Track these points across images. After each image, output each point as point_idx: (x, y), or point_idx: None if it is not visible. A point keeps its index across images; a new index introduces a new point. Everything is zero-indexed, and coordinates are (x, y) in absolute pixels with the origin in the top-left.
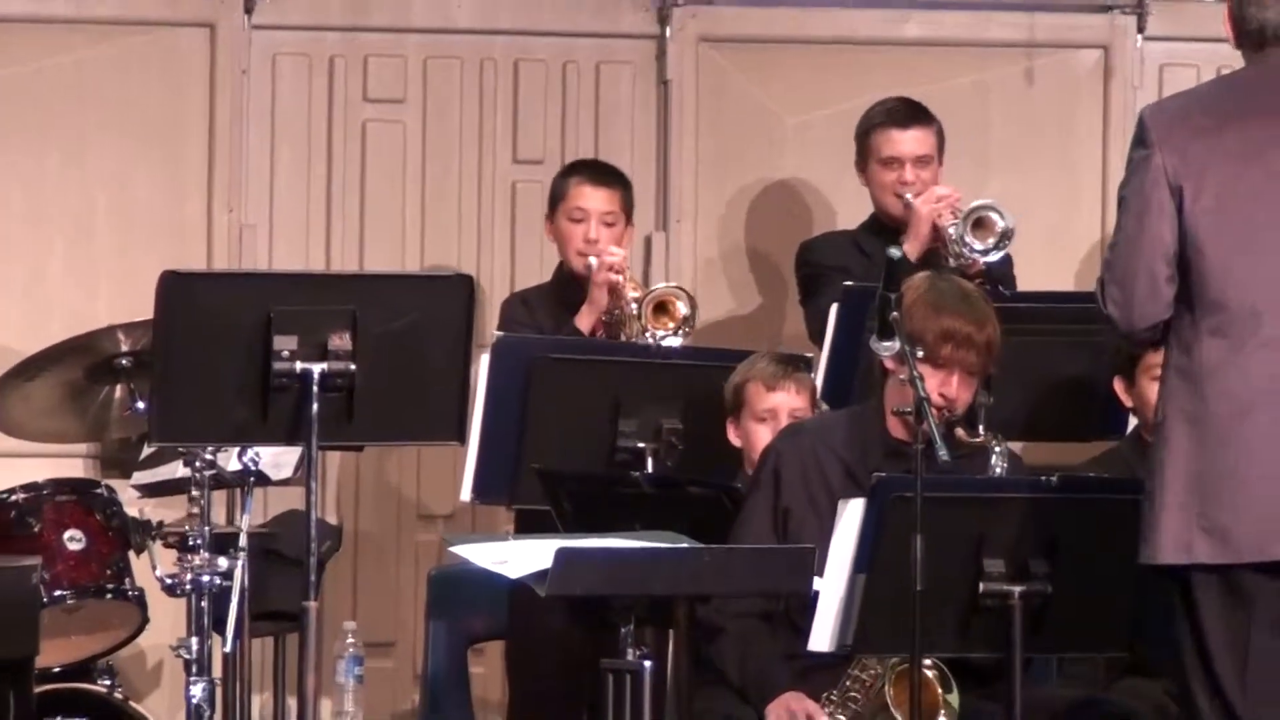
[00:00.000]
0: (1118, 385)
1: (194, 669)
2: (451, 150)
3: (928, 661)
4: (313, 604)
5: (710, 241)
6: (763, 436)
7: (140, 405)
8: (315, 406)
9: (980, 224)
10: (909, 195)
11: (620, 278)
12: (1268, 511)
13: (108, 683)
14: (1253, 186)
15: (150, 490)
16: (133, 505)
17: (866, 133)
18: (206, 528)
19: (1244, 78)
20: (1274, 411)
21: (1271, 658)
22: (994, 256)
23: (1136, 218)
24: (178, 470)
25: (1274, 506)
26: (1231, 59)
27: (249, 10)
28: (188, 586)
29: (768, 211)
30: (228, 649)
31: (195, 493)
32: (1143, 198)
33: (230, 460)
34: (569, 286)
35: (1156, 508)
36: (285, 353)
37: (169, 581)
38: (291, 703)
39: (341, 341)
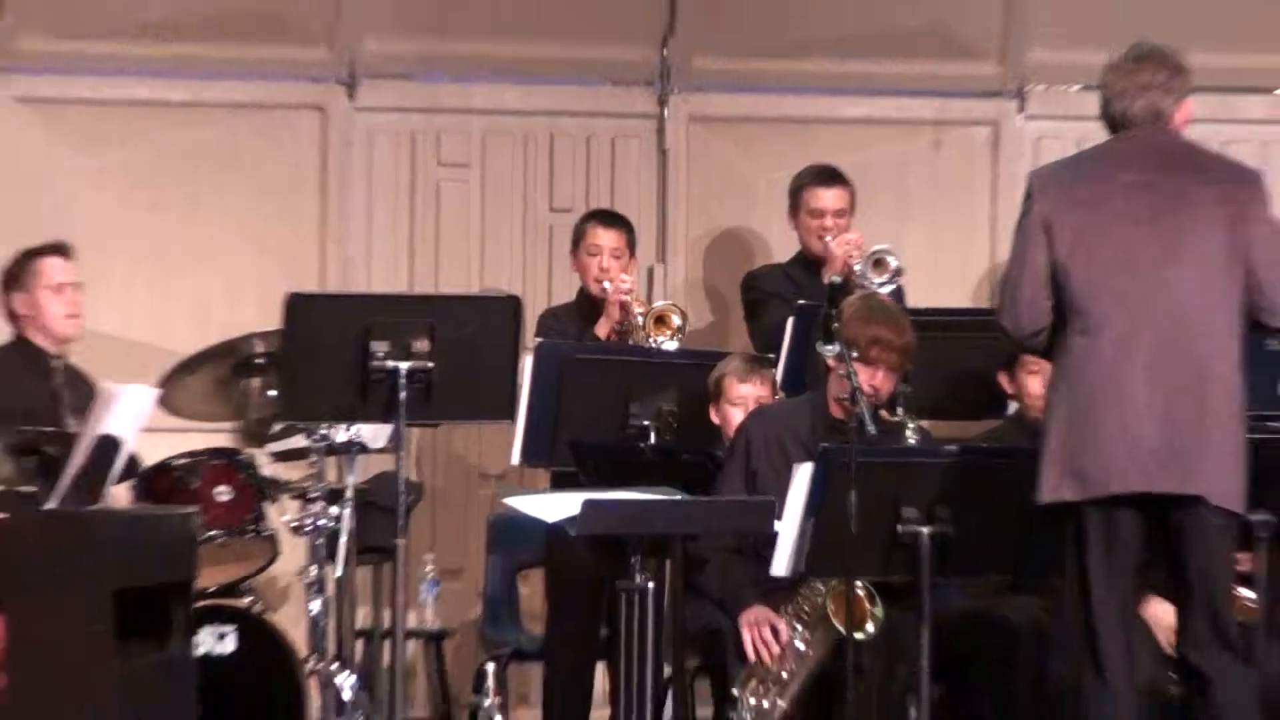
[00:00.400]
0: (1001, 378)
1: (313, 590)
2: (503, 202)
3: (859, 583)
4: (401, 541)
5: (697, 271)
6: (736, 417)
7: (271, 393)
8: (402, 394)
9: (879, 263)
10: (828, 239)
11: (629, 298)
12: (1110, 461)
13: (248, 600)
14: (1098, 227)
15: (279, 456)
16: (267, 467)
17: (798, 190)
18: (322, 484)
19: (1102, 149)
20: (1116, 390)
21: (1103, 571)
22: (887, 289)
23: (1020, 251)
24: (300, 441)
25: (1115, 457)
26: (1087, 133)
27: (351, 97)
28: (308, 528)
29: (742, 249)
30: (338, 574)
31: (313, 458)
32: (1025, 236)
33: (339, 434)
34: (589, 304)
35: (1042, 464)
36: (380, 353)
37: (294, 524)
38: (386, 614)
39: (422, 345)
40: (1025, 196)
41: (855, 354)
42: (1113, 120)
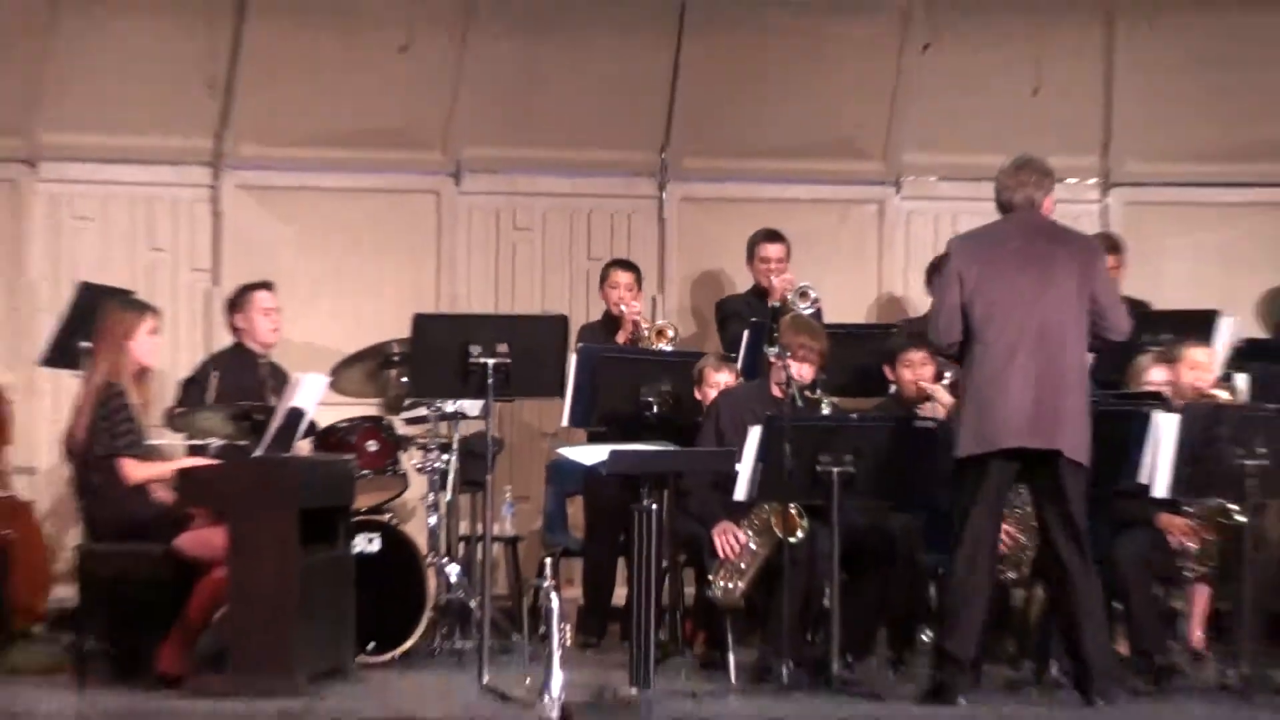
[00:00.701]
0: (885, 370)
1: (430, 509)
2: (556, 254)
3: (792, 505)
4: (489, 477)
5: (685, 299)
6: (711, 396)
7: (403, 379)
8: (490, 380)
9: (804, 294)
10: (772, 277)
11: (638, 317)
12: (1001, 427)
13: (388, 516)
14: (992, 277)
15: (409, 421)
16: (400, 428)
17: (753, 244)
18: (436, 439)
19: (996, 225)
20: (1004, 381)
21: (988, 500)
22: (809, 311)
23: (942, 293)
24: (422, 411)
25: (1003, 425)
26: (942, 210)
27: (457, 185)
28: (427, 468)
29: (715, 284)
30: (447, 499)
31: (430, 422)
32: (945, 282)
33: (448, 406)
34: (612, 321)
35: (959, 431)
36: (475, 353)
37: (418, 466)
38: (479, 526)
39: (503, 348)
40: (945, 256)
41: (788, 354)
42: (1002, 206)
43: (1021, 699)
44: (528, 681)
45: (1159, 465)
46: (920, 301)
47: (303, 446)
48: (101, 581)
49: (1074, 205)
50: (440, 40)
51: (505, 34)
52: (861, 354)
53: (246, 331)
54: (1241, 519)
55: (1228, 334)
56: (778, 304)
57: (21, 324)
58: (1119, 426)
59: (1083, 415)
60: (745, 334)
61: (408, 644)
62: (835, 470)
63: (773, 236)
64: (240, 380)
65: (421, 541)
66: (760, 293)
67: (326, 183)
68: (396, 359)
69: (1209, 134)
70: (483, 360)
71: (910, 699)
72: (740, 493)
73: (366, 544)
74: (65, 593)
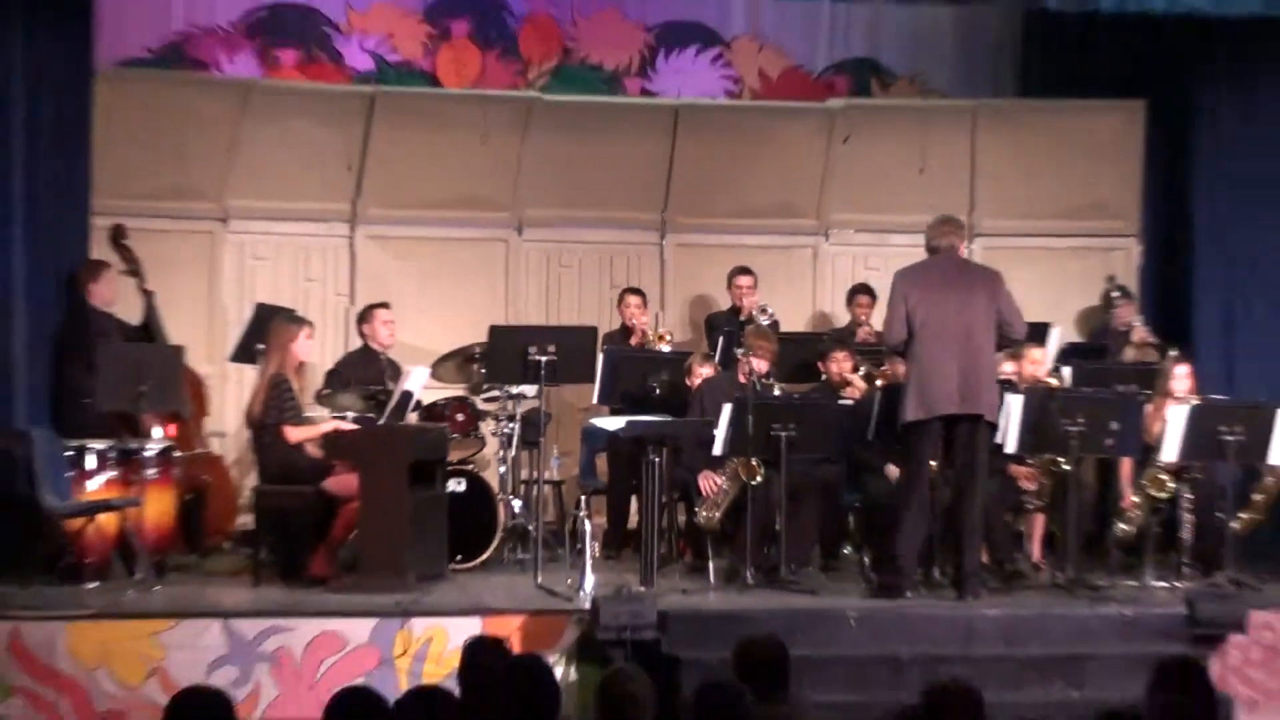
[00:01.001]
0: (820, 364)
1: (501, 461)
2: (590, 283)
3: (754, 459)
4: (541, 439)
5: (680, 314)
6: (697, 383)
7: (483, 371)
8: (542, 371)
9: (763, 311)
10: (744, 299)
11: (646, 328)
12: (937, 398)
13: (471, 466)
14: (928, 298)
15: (486, 399)
16: (480, 404)
17: (730, 275)
18: (505, 412)
19: (929, 261)
20: (940, 367)
21: (925, 454)
22: (768, 323)
23: (893, 309)
24: (496, 393)
25: (939, 397)
26: (858, 255)
27: (520, 235)
28: (499, 433)
29: (703, 304)
30: (513, 454)
31: (501, 401)
32: (896, 300)
33: (513, 389)
34: (627, 331)
35: (906, 402)
36: (532, 352)
37: (493, 432)
38: (535, 473)
39: (551, 349)
40: (894, 283)
41: (750, 353)
42: (930, 249)
43: (915, 595)
44: (568, 582)
45: (1010, 430)
46: (842, 317)
47: (412, 418)
48: (271, 511)
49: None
50: (508, 136)
51: (553, 132)
52: (801, 353)
53: (371, 337)
54: (1067, 468)
55: (1056, 340)
56: (746, 318)
57: (216, 333)
58: None
59: (994, 390)
60: (721, 339)
61: (484, 555)
62: (783, 434)
63: (744, 270)
64: (367, 371)
65: (494, 483)
66: (735, 310)
67: (428, 233)
68: (477, 356)
69: (1043, 200)
70: (537, 358)
71: (837, 593)
72: (717, 450)
73: (456, 485)
74: (245, 519)
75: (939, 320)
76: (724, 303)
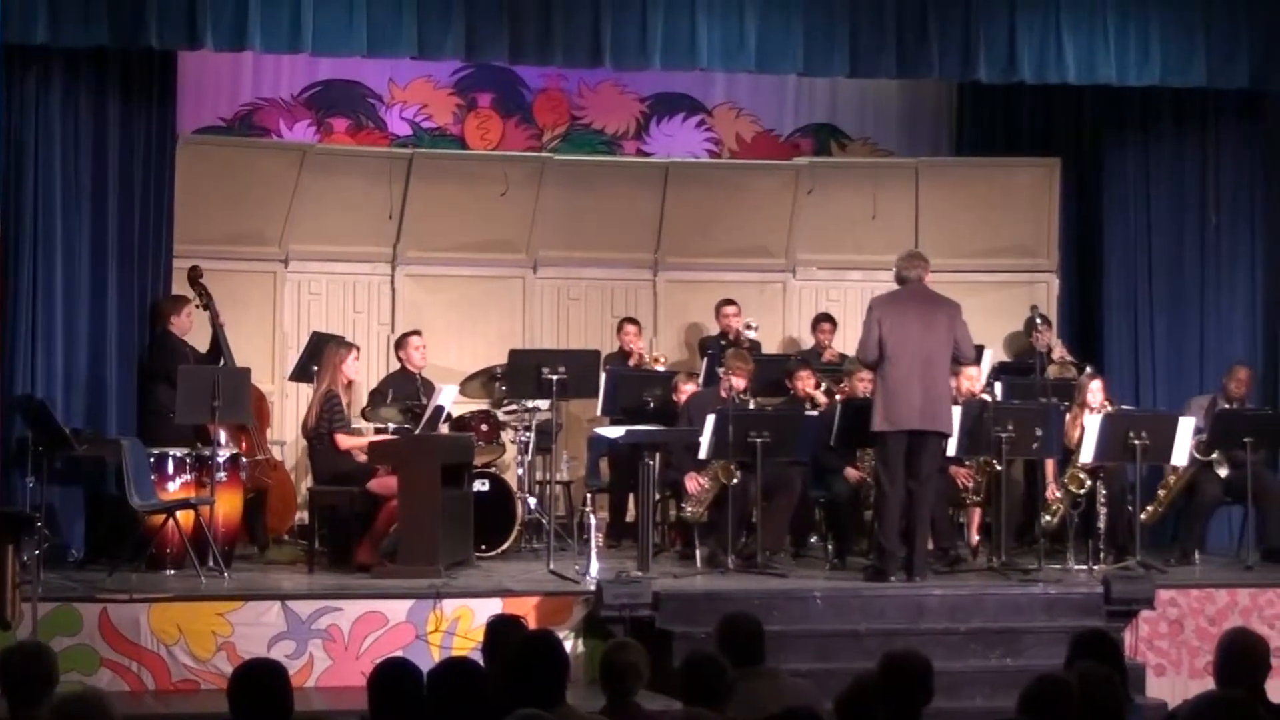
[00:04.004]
0: (787, 381)
1: (519, 464)
2: (594, 314)
3: (732, 462)
4: (554, 445)
5: (676, 339)
6: (682, 398)
7: (503, 388)
8: (554, 388)
9: (748, 326)
10: (730, 322)
11: (642, 351)
12: (901, 414)
13: (493, 469)
14: (897, 323)
15: (507, 412)
16: (501, 417)
17: (718, 306)
18: (523, 422)
19: (899, 291)
20: (905, 386)
21: (891, 460)
22: (752, 336)
23: (867, 331)
24: (514, 406)
25: (903, 412)
26: (821, 289)
27: (535, 273)
28: (517, 440)
29: (694, 330)
30: (529, 458)
31: (519, 413)
32: (869, 324)
33: (529, 403)
34: (625, 353)
35: (874, 415)
36: (546, 372)
37: (512, 440)
38: (548, 474)
39: (562, 369)
40: (869, 308)
41: (730, 372)
42: (900, 279)
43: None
44: (576, 568)
45: (951, 436)
46: (808, 341)
47: (443, 429)
48: (323, 509)
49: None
50: (525, 190)
51: (562, 186)
52: (773, 372)
53: (406, 360)
54: (999, 468)
55: (989, 360)
56: (732, 341)
57: (278, 356)
58: None
59: (949, 405)
60: (706, 360)
61: (504, 545)
62: (758, 440)
63: (730, 301)
64: (404, 389)
65: (513, 483)
66: (723, 335)
67: (457, 272)
68: (499, 375)
69: (975, 241)
70: (550, 376)
71: (805, 576)
72: (702, 454)
73: (480, 485)
74: (301, 515)
75: (905, 344)
76: (709, 329)
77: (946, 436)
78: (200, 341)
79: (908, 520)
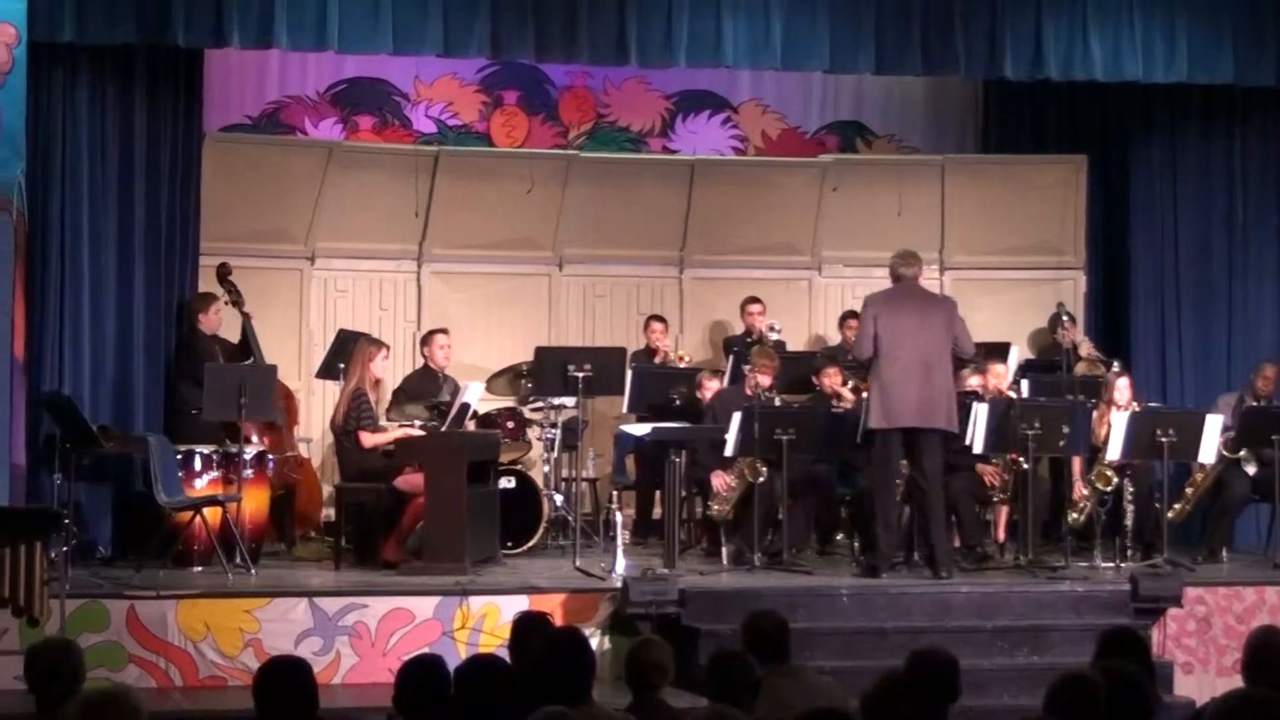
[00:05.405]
0: (815, 379)
1: (545, 462)
2: (620, 310)
3: (758, 459)
4: (580, 442)
5: (699, 336)
6: (706, 395)
7: (529, 385)
8: (580, 385)
9: (771, 328)
10: (755, 321)
11: (667, 348)
12: (897, 411)
13: (519, 466)
14: (892, 320)
15: (533, 409)
16: (527, 414)
17: (743, 304)
18: (549, 420)
19: (894, 288)
20: (900, 383)
21: (888, 458)
22: (775, 338)
23: (863, 328)
24: (541, 404)
25: (899, 410)
26: (847, 284)
27: (560, 270)
28: (543, 438)
29: (720, 328)
30: (554, 455)
31: (545, 411)
32: (864, 322)
33: (555, 400)
34: (651, 350)
35: (868, 413)
36: (572, 369)
37: (538, 437)
38: (574, 471)
39: (588, 366)
40: (864, 306)
41: (755, 369)
42: (895, 277)
43: (896, 573)
44: (602, 565)
45: (977, 434)
46: (833, 338)
47: (470, 426)
48: (350, 505)
49: (924, 281)
50: (551, 187)
51: (588, 184)
52: (799, 369)
53: (430, 358)
54: (1026, 466)
55: (1015, 357)
56: (756, 339)
57: (304, 354)
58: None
59: (951, 403)
60: (731, 358)
61: (531, 542)
62: (784, 438)
63: (755, 299)
64: (429, 387)
65: (539, 481)
66: (748, 333)
67: (483, 270)
68: (525, 373)
69: (1002, 238)
70: (576, 374)
71: (831, 573)
72: (728, 452)
73: (507, 482)
74: (328, 512)
75: (900, 341)
76: (734, 327)
77: (950, 434)
78: (229, 337)
79: (924, 519)
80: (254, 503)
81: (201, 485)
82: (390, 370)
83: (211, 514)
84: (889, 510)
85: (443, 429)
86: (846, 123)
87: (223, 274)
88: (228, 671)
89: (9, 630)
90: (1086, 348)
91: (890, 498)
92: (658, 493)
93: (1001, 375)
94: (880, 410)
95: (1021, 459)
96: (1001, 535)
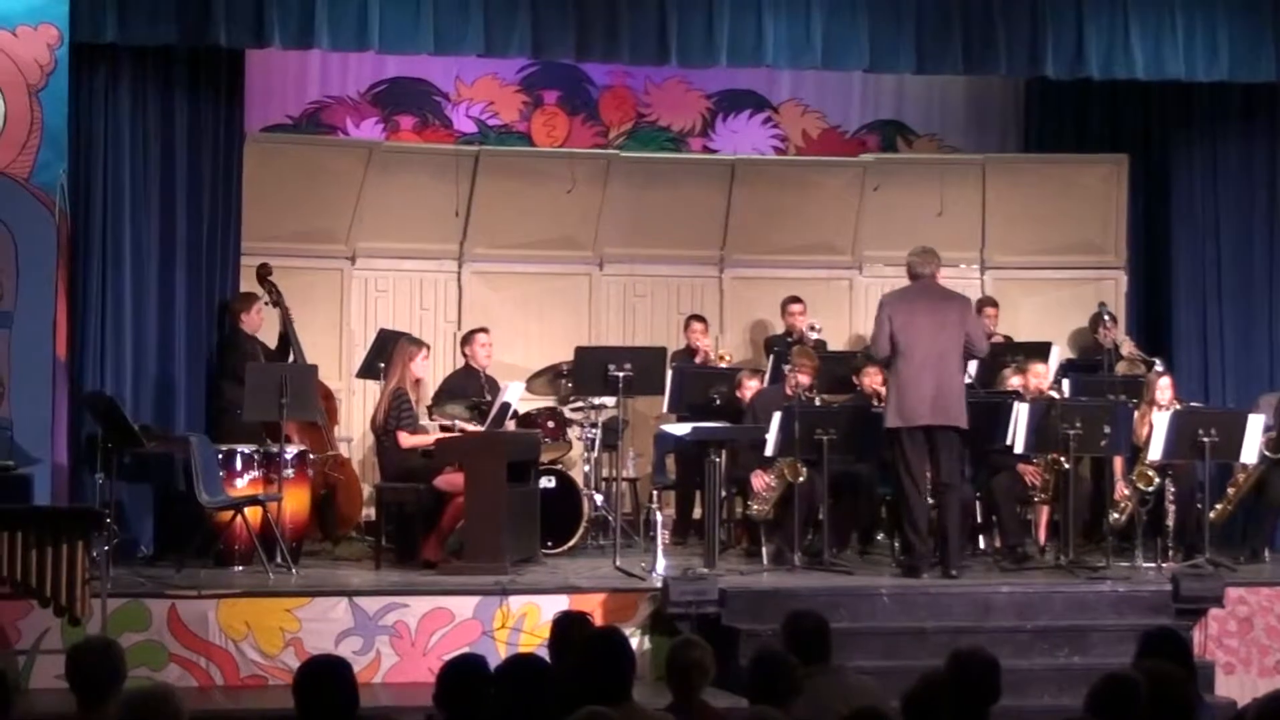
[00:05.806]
0: (854, 378)
1: (585, 462)
2: (660, 310)
3: (798, 459)
4: (620, 442)
5: (740, 336)
6: (746, 395)
7: (570, 385)
8: (620, 384)
9: (812, 327)
10: (796, 321)
11: (708, 348)
12: (913, 410)
13: (560, 465)
14: (908, 319)
15: (573, 409)
16: (568, 414)
17: (784, 304)
18: (589, 419)
19: (910, 287)
20: (916, 381)
21: (909, 456)
22: (815, 338)
23: (879, 327)
24: (581, 403)
25: (915, 408)
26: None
27: (601, 269)
28: (584, 437)
29: (760, 328)
30: (595, 455)
31: (585, 411)
32: (880, 321)
33: (596, 400)
34: (692, 350)
35: (886, 412)
36: (612, 368)
37: (578, 437)
38: (614, 471)
39: (628, 366)
40: (880, 305)
41: (795, 369)
42: (913, 275)
43: (937, 573)
44: (642, 565)
45: (1018, 434)
46: None
47: (510, 425)
48: (390, 505)
49: (964, 280)
50: (591, 187)
51: (628, 184)
52: (839, 369)
53: (472, 357)
54: (1067, 466)
55: (1056, 357)
56: (796, 339)
57: (345, 353)
58: (995, 411)
59: (963, 400)
60: (772, 358)
61: (571, 542)
62: (824, 438)
63: (796, 299)
64: (469, 387)
65: (579, 480)
66: (789, 333)
67: (524, 269)
68: (565, 373)
69: (1043, 238)
70: (616, 374)
71: (871, 573)
72: (768, 451)
73: (547, 482)
74: (369, 512)
75: (917, 340)
76: (775, 327)
77: (963, 431)
78: (270, 338)
79: (939, 516)
80: (294, 502)
81: (242, 485)
82: (430, 370)
83: (252, 513)
84: (915, 510)
85: (483, 429)
86: (887, 122)
87: (263, 274)
88: (268, 671)
89: (51, 629)
90: (1128, 347)
91: (916, 497)
92: (698, 492)
93: (1042, 375)
94: (896, 409)
95: (1063, 459)
96: (1043, 535)
